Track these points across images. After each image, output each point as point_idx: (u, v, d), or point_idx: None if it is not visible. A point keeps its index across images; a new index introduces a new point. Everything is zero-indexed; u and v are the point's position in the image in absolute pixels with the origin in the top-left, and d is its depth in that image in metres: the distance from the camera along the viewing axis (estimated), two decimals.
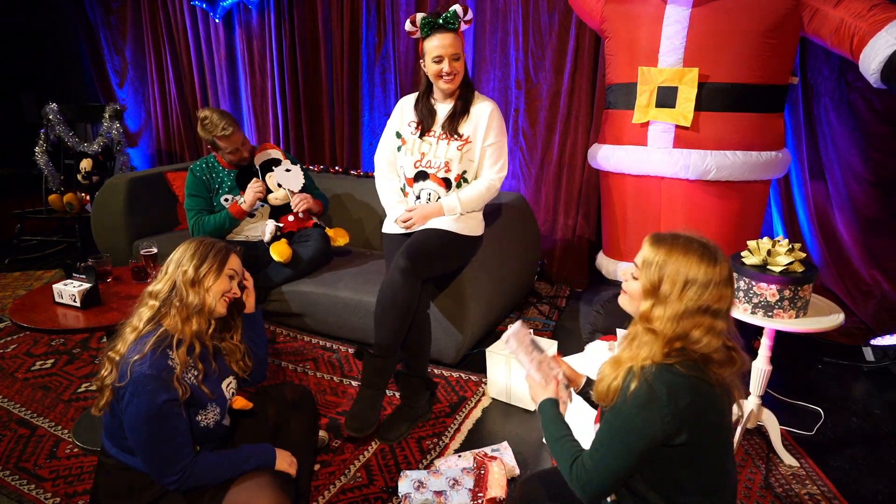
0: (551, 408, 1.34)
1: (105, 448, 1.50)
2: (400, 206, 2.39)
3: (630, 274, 1.25)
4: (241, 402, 1.64)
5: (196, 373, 1.47)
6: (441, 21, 2.18)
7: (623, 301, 1.28)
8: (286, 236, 2.86)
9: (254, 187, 2.79)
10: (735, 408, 2.09)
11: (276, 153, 2.94)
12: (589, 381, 1.48)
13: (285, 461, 1.56)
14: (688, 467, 1.16)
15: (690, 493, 1.17)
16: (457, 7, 2.19)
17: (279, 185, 2.86)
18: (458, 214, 2.31)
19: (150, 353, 1.39)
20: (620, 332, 2.23)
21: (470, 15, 2.22)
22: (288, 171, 2.88)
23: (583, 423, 1.85)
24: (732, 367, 1.18)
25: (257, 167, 2.90)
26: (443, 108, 2.33)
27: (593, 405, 1.46)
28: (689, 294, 1.14)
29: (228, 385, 1.59)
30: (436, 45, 2.19)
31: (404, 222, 2.31)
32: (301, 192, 2.90)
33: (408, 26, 2.24)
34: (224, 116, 2.75)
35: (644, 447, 1.13)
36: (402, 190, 2.44)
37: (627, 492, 1.21)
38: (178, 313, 1.45)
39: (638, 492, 1.19)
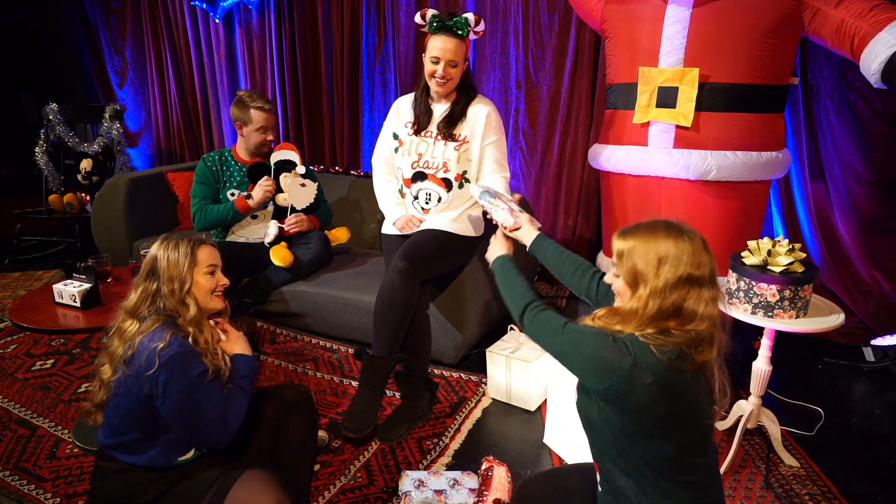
0: (507, 260, 1.59)
1: (102, 449, 1.49)
2: (399, 209, 2.39)
3: (612, 274, 1.28)
4: None
5: (219, 357, 1.51)
6: (450, 24, 2.17)
7: (618, 302, 1.30)
8: (286, 239, 2.85)
9: (264, 185, 2.76)
10: (736, 408, 2.10)
11: (292, 155, 2.88)
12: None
13: (240, 340, 1.60)
14: (653, 440, 1.16)
15: (661, 467, 1.18)
16: (470, 15, 2.17)
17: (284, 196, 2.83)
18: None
19: (172, 337, 1.40)
20: None
21: (482, 27, 2.20)
22: (303, 185, 2.82)
23: None
24: (713, 345, 1.18)
25: (271, 164, 2.86)
26: (439, 108, 2.33)
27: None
28: (665, 269, 1.17)
29: None
30: (437, 46, 2.18)
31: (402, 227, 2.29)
32: (308, 209, 2.88)
33: (417, 19, 2.22)
34: (266, 97, 2.84)
35: (574, 367, 1.22)
36: (400, 191, 2.43)
37: (610, 463, 1.24)
38: (186, 323, 1.47)
39: (612, 458, 1.22)
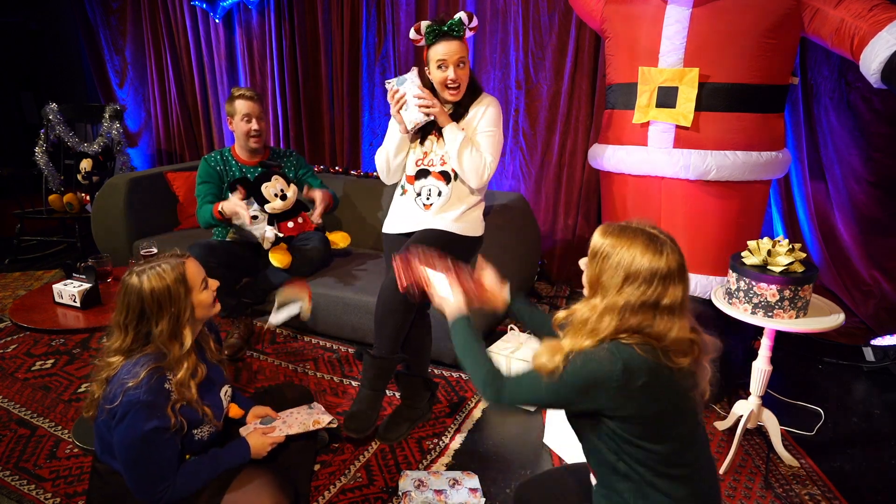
0: (466, 324, 1.39)
1: (98, 455, 1.49)
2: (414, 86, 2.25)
3: (583, 262, 1.25)
4: (234, 411, 1.65)
5: (191, 384, 1.45)
6: (446, 29, 2.16)
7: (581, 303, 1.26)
8: (286, 240, 2.84)
9: (233, 204, 2.61)
10: (736, 408, 2.10)
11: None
12: (516, 300, 1.55)
13: (261, 444, 1.53)
14: (647, 441, 1.15)
15: (656, 465, 1.17)
16: (462, 14, 2.16)
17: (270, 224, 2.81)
18: (454, 144, 2.20)
19: (145, 378, 1.35)
20: None
21: (475, 22, 2.19)
22: (278, 194, 2.78)
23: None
24: (692, 356, 1.16)
25: (251, 176, 2.81)
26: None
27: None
28: (630, 289, 1.12)
29: (225, 393, 1.59)
30: (440, 50, 2.17)
31: (426, 107, 2.17)
32: (301, 205, 2.88)
33: (412, 34, 2.22)
34: (254, 90, 2.87)
35: (572, 404, 1.16)
36: (403, 188, 2.43)
37: (605, 467, 1.22)
38: (172, 359, 1.41)
39: (609, 462, 1.21)
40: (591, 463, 1.27)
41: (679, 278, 1.13)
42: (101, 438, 1.45)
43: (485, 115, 2.28)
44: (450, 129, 2.22)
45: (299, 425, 1.63)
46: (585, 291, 1.23)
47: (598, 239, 1.18)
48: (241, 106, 2.78)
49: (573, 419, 1.25)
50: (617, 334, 1.14)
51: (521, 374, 1.25)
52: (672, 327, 1.13)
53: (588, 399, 1.14)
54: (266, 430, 1.58)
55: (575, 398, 1.16)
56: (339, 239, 3.03)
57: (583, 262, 1.25)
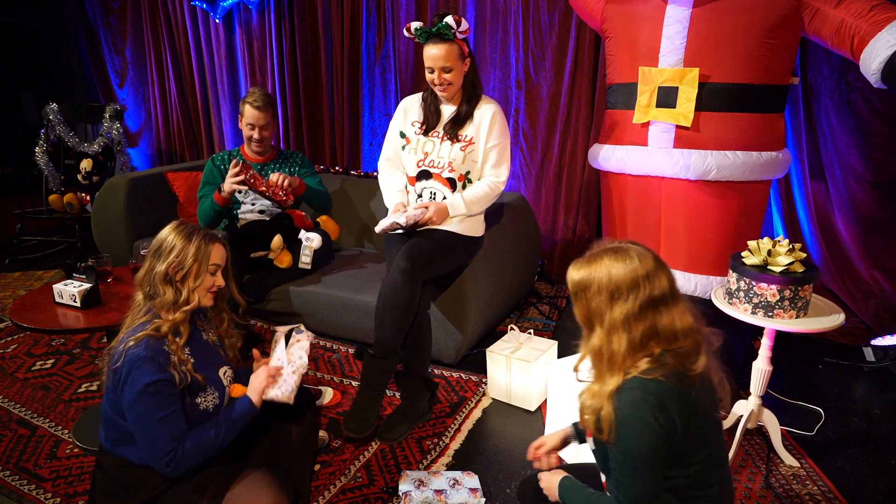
0: (568, 482, 1.33)
1: (102, 444, 1.50)
2: (397, 195, 2.38)
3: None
4: (238, 390, 1.64)
5: (188, 356, 1.49)
6: (434, 31, 2.18)
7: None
8: (287, 240, 2.82)
9: (230, 177, 2.61)
10: (736, 408, 2.10)
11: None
12: (576, 427, 1.47)
13: (258, 381, 1.56)
14: (675, 468, 1.16)
15: (682, 490, 1.17)
16: (449, 18, 2.16)
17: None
18: (462, 214, 2.29)
19: (145, 339, 1.41)
20: None
21: (465, 26, 2.19)
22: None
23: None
24: (701, 353, 1.15)
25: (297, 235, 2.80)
26: (447, 110, 2.34)
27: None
28: (620, 302, 1.12)
29: (225, 373, 1.60)
30: (428, 55, 2.21)
31: (419, 223, 2.23)
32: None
33: (406, 34, 2.26)
34: (266, 97, 2.83)
35: (658, 458, 1.12)
36: (405, 188, 2.43)
37: None
38: (161, 305, 1.49)
39: None
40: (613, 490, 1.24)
41: (659, 270, 1.15)
42: (105, 422, 1.47)
43: (492, 127, 2.30)
44: (452, 212, 2.27)
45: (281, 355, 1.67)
46: (584, 332, 1.22)
47: (571, 278, 1.20)
48: (248, 113, 2.81)
49: (601, 456, 1.22)
50: (634, 352, 1.13)
51: (617, 483, 1.17)
52: (674, 316, 1.13)
53: (659, 444, 1.11)
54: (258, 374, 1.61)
55: (659, 464, 1.13)
56: (330, 225, 2.98)
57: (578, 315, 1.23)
